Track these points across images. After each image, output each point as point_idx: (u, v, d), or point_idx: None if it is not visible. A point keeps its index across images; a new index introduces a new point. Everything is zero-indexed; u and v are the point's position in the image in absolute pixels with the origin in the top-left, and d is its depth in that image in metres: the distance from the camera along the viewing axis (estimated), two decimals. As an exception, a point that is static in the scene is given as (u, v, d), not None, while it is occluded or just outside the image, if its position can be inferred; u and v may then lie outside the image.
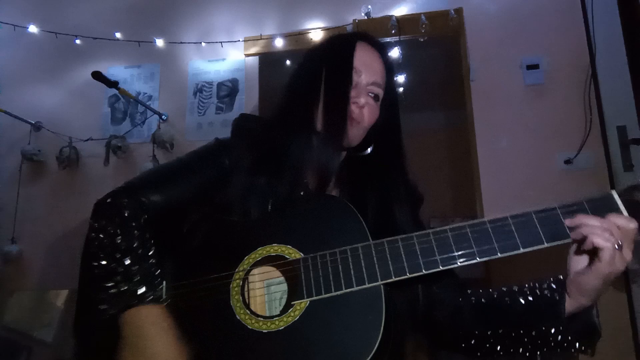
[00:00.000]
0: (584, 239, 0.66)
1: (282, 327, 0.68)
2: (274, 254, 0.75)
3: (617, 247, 0.64)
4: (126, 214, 0.75)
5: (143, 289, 0.70)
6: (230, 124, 0.95)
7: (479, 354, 0.79)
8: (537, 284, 0.75)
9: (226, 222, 0.80)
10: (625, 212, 0.68)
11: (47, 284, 2.21)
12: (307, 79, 0.90)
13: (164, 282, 0.74)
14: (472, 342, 0.79)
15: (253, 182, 0.83)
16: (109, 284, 0.70)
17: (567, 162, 1.96)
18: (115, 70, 2.43)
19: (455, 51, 2.15)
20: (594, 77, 1.99)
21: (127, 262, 0.71)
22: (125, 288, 0.69)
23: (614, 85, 1.89)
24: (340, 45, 0.90)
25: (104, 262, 0.72)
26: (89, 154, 2.35)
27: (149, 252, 0.74)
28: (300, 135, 0.84)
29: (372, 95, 0.88)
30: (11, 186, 2.37)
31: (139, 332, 0.68)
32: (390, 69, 0.93)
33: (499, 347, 0.76)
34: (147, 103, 2.34)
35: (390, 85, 0.92)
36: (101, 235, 0.73)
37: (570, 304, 0.70)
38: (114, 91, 2.24)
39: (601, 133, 1.96)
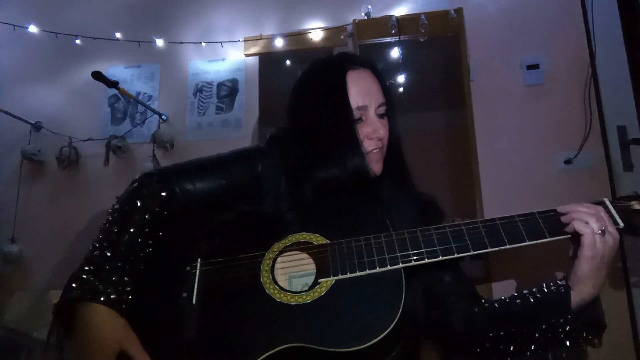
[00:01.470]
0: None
1: (309, 301, 0.73)
2: (303, 240, 0.81)
3: (600, 232, 0.71)
4: (138, 204, 0.80)
5: (106, 288, 0.72)
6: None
7: (493, 357, 0.82)
8: (544, 284, 0.80)
9: (258, 213, 0.87)
10: (615, 215, 0.76)
11: (47, 284, 2.20)
12: (313, 127, 0.89)
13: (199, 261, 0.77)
14: (487, 345, 0.82)
15: (282, 191, 0.87)
16: (85, 267, 0.73)
17: (567, 162, 1.96)
18: (115, 70, 2.43)
19: (455, 51, 2.15)
20: (594, 77, 1.98)
21: (108, 254, 0.75)
22: (92, 279, 0.72)
23: (614, 85, 1.89)
24: (333, 90, 0.87)
25: (97, 245, 0.76)
26: (89, 154, 2.34)
27: (133, 254, 0.77)
28: (327, 172, 0.86)
29: (381, 114, 0.90)
30: (11, 186, 2.37)
31: (85, 324, 0.70)
32: (382, 78, 0.93)
33: (512, 347, 0.79)
34: (147, 103, 2.34)
35: (387, 93, 0.92)
36: (109, 217, 0.79)
37: (574, 295, 0.74)
38: (114, 91, 2.23)
39: (601, 133, 1.96)
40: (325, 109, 0.87)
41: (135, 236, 0.78)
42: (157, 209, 0.81)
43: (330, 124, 0.86)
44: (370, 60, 0.95)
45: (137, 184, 0.84)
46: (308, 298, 0.74)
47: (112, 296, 0.72)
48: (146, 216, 0.79)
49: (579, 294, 0.74)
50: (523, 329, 0.78)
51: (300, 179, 0.86)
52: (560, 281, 0.78)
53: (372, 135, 0.87)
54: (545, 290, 0.79)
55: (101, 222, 0.80)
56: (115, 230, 0.77)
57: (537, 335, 0.77)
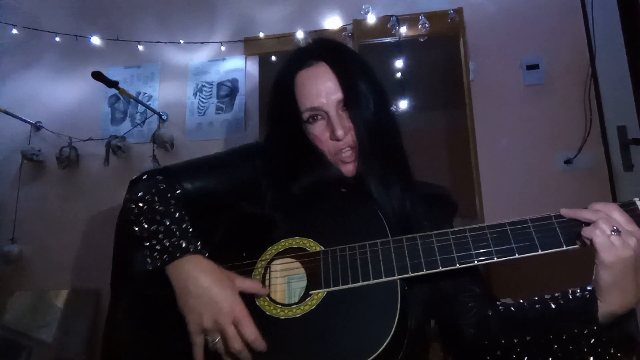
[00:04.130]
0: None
1: (299, 315, 0.70)
2: (296, 246, 0.77)
3: (613, 232, 0.63)
4: (161, 187, 0.79)
5: (184, 243, 0.72)
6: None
7: None
8: (568, 290, 0.72)
9: (251, 216, 0.83)
10: None
11: (47, 284, 2.21)
12: (272, 133, 0.91)
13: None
14: (498, 353, 0.74)
15: (280, 185, 0.84)
16: (153, 242, 0.72)
17: (567, 162, 1.96)
18: (115, 70, 2.43)
19: (455, 51, 2.15)
20: (594, 77, 1.98)
21: (167, 222, 0.74)
22: (168, 243, 0.71)
23: (614, 85, 1.89)
24: (281, 98, 0.87)
25: (145, 225, 0.74)
26: (89, 154, 2.34)
27: (185, 216, 0.76)
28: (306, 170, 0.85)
29: (344, 110, 0.83)
30: (11, 186, 2.37)
31: (188, 278, 0.70)
32: (340, 69, 0.83)
33: (526, 358, 0.71)
34: (147, 103, 2.34)
35: (346, 86, 0.82)
36: (140, 204, 0.76)
37: (602, 306, 0.66)
38: (114, 91, 2.24)
39: (601, 133, 1.96)
40: (276, 116, 0.88)
41: (176, 202, 0.78)
42: (179, 192, 0.81)
43: (282, 132, 0.86)
44: (325, 51, 0.86)
45: (146, 176, 0.83)
46: (298, 312, 0.70)
47: (197, 246, 0.72)
48: (175, 193, 0.80)
49: (607, 305, 0.65)
50: (540, 339, 0.70)
51: (282, 182, 0.84)
52: (586, 287, 0.69)
53: (332, 137, 0.81)
54: (570, 297, 0.70)
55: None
56: (158, 206, 0.76)
57: (555, 346, 0.68)
